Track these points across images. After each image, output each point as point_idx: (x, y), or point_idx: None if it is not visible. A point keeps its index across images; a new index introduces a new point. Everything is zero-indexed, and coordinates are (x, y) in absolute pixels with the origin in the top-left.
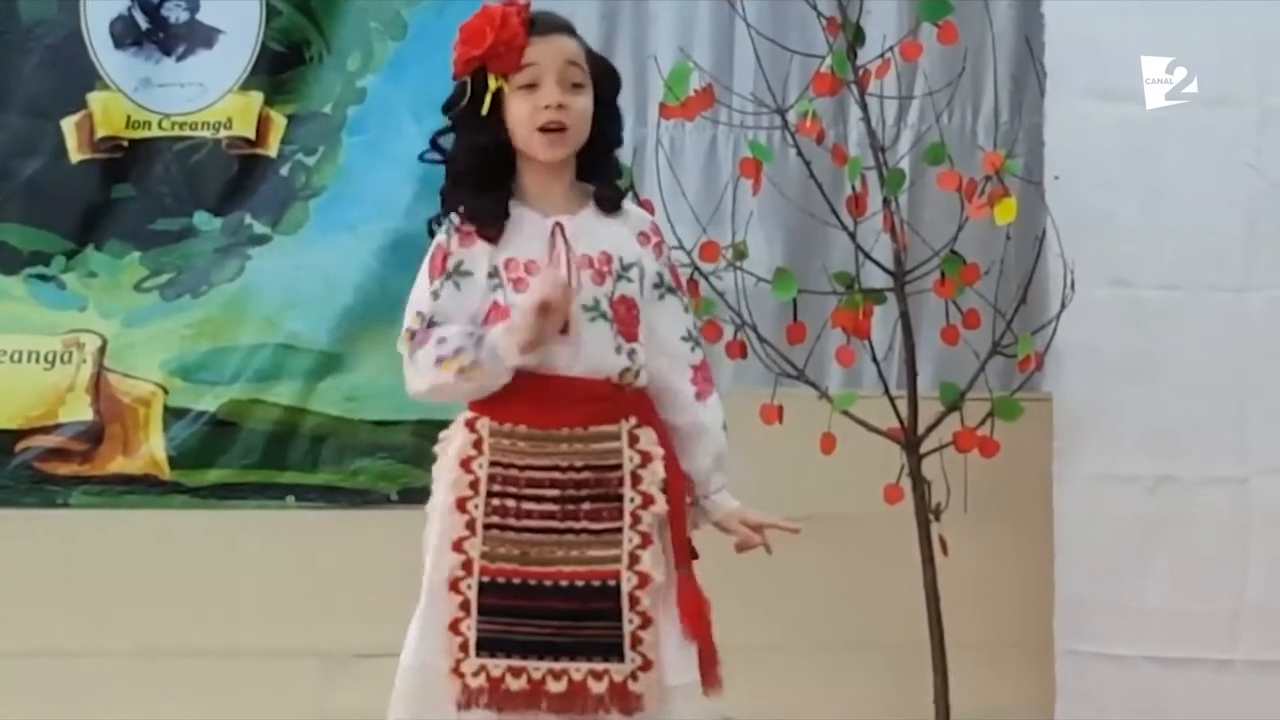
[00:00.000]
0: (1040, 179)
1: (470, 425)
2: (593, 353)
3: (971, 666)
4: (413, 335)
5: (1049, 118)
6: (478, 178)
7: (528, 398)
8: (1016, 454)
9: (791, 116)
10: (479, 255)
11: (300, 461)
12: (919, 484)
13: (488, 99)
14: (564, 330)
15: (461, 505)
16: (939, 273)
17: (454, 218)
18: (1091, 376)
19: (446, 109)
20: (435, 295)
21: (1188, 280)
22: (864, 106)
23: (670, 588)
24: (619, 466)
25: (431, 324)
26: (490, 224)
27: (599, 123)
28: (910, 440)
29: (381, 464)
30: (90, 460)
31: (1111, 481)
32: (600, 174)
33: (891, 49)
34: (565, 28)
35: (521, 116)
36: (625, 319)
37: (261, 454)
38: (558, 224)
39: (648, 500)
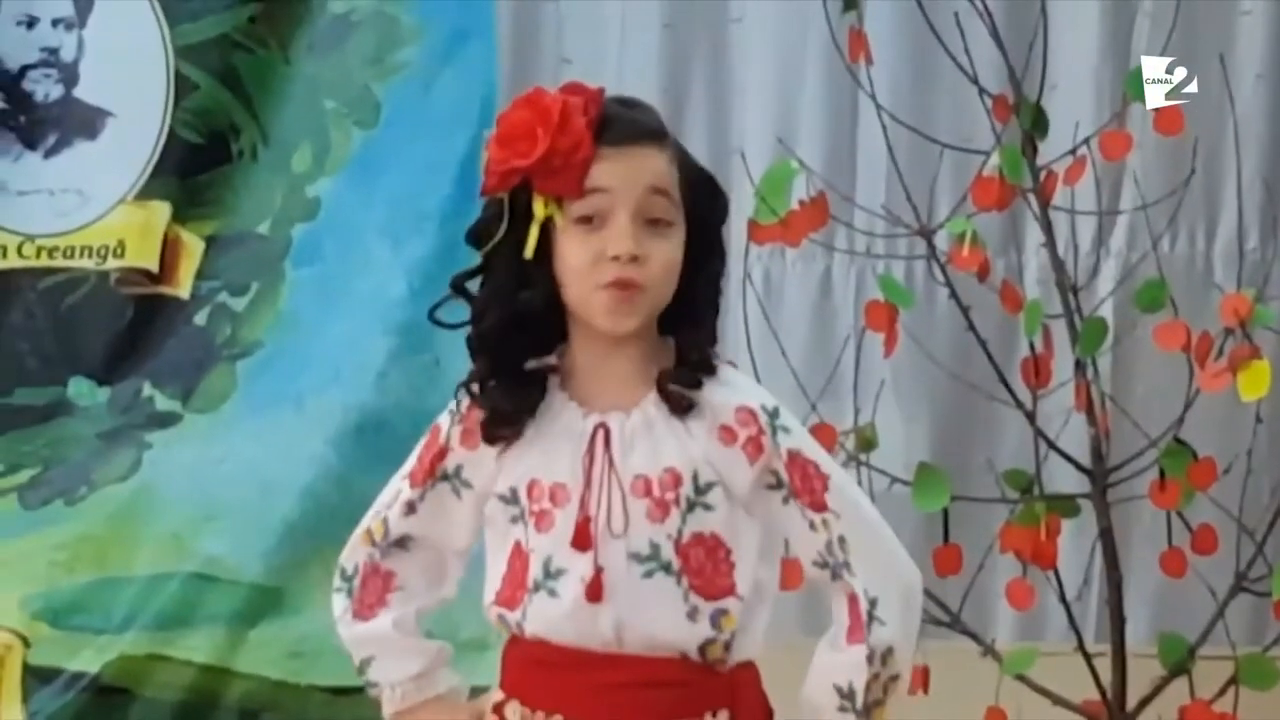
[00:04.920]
0: None
1: (498, 711)
2: (651, 623)
3: None
4: (372, 542)
5: None
6: (506, 348)
7: (561, 679)
8: None
9: (941, 240)
10: (483, 461)
11: None
12: None
13: (532, 235)
14: (593, 595)
15: None
16: (1157, 472)
17: (465, 395)
18: None
19: (474, 239)
20: (411, 508)
21: None
22: (1047, 226)
23: None
24: None
25: (400, 544)
26: (502, 425)
27: (688, 269)
28: (1117, 718)
29: None
30: None
31: None
32: (680, 350)
33: (1087, 141)
34: (652, 133)
35: (577, 265)
36: (703, 568)
37: None
38: (600, 426)
39: None
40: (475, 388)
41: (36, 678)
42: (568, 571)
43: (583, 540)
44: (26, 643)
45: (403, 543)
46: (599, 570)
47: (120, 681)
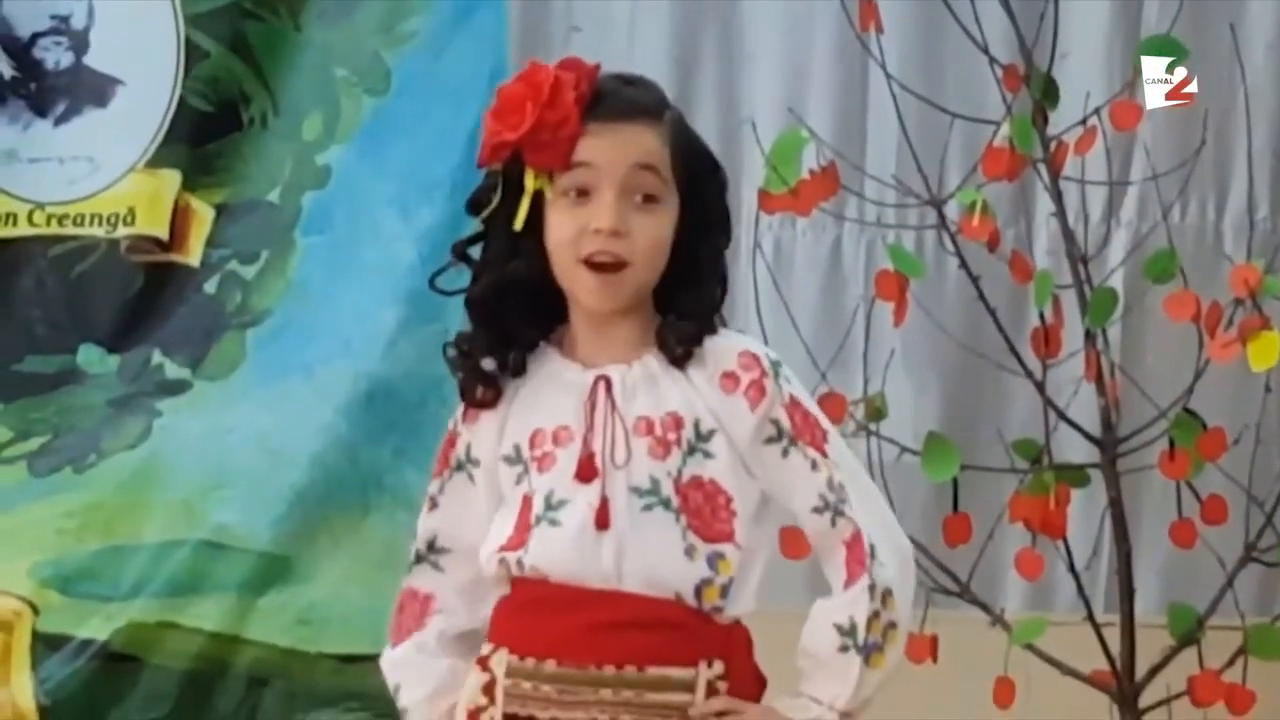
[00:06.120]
0: None
1: (483, 663)
2: (649, 557)
3: None
4: (417, 558)
5: None
6: (496, 314)
7: (556, 621)
8: None
9: (951, 210)
10: (486, 430)
11: (233, 714)
12: None
13: (523, 206)
14: (601, 522)
15: None
16: (1167, 442)
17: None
18: None
19: (472, 208)
20: (434, 503)
21: None
22: (1058, 196)
23: None
24: None
25: (431, 551)
26: (480, 384)
27: (689, 243)
28: (1125, 689)
29: (351, 718)
30: None
31: None
32: (679, 311)
33: (1098, 111)
34: (644, 110)
35: (562, 237)
36: (701, 510)
37: (176, 702)
38: (602, 378)
39: None
40: (453, 350)
41: (46, 645)
42: (570, 502)
43: (586, 472)
44: (36, 610)
45: (435, 553)
46: (605, 499)
47: (129, 649)
